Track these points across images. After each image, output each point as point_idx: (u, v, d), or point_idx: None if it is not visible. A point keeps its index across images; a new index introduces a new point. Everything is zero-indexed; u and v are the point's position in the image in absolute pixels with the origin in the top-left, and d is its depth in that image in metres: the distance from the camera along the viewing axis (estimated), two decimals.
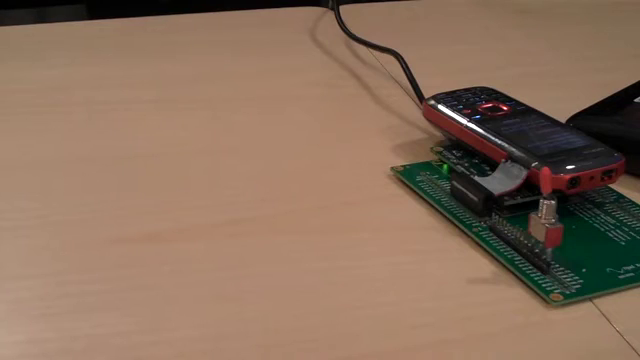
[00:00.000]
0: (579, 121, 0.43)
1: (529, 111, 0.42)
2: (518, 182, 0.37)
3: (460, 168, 0.40)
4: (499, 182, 0.38)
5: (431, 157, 0.42)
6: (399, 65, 0.51)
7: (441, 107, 0.43)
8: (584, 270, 0.33)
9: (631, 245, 0.35)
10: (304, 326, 0.31)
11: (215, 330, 0.31)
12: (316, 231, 0.37)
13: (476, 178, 0.38)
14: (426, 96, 0.45)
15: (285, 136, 0.46)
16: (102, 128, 0.47)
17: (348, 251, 0.35)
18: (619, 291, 0.33)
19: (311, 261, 0.35)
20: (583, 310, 0.32)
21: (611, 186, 0.39)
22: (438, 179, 0.40)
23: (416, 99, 0.49)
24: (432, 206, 0.38)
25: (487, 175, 0.39)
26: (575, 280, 0.33)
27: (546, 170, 0.33)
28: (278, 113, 0.49)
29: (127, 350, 0.30)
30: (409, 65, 0.51)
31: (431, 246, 0.36)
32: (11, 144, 0.45)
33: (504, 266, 0.34)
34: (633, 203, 0.38)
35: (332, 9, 0.64)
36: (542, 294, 0.32)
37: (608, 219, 0.37)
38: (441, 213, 0.38)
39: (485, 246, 0.35)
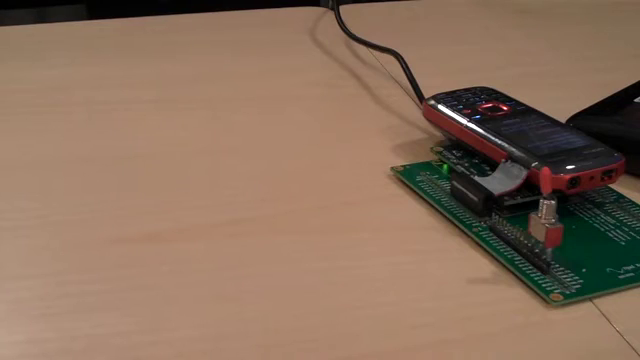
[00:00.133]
0: (579, 121, 0.43)
1: (529, 111, 0.42)
2: (518, 182, 0.37)
3: (460, 168, 0.40)
4: (499, 182, 0.38)
5: (431, 157, 0.42)
6: (399, 65, 0.51)
7: (441, 107, 0.43)
8: (584, 270, 0.33)
9: (631, 245, 0.35)
10: (304, 326, 0.31)
11: (215, 330, 0.31)
12: (316, 231, 0.37)
13: (476, 178, 0.38)
14: (426, 96, 0.45)
15: (285, 136, 0.46)
16: (102, 128, 0.47)
17: (348, 251, 0.35)
18: (619, 291, 0.33)
19: (311, 261, 0.35)
20: (583, 310, 0.32)
21: (611, 186, 0.39)
22: (438, 179, 0.40)
23: (416, 99, 0.49)
24: (432, 206, 0.38)
25: (487, 175, 0.39)
26: (575, 280, 0.33)
27: (546, 170, 0.33)
28: (278, 113, 0.49)
29: (127, 350, 0.30)
30: (409, 65, 0.51)
31: (431, 246, 0.36)
32: (11, 144, 0.45)
33: (504, 266, 0.34)
34: (633, 203, 0.38)
35: (332, 9, 0.64)
36: (542, 294, 0.32)
37: (608, 219, 0.37)
38: (441, 213, 0.38)
39: (485, 246, 0.35)
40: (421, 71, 0.51)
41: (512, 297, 0.33)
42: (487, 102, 0.43)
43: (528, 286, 0.33)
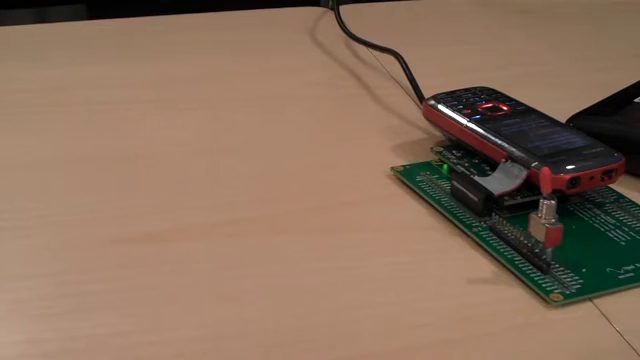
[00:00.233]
0: (579, 121, 0.43)
1: (529, 111, 0.42)
2: (518, 182, 0.37)
3: (460, 168, 0.40)
4: (499, 182, 0.38)
5: (431, 157, 0.42)
6: (399, 65, 0.51)
7: (441, 107, 0.43)
8: (584, 270, 0.33)
9: (631, 245, 0.35)
10: (304, 326, 0.31)
11: (215, 330, 0.31)
12: (316, 231, 0.37)
13: (476, 178, 0.38)
14: (426, 96, 0.45)
15: (285, 136, 0.46)
16: (102, 128, 0.47)
17: (348, 251, 0.35)
18: (619, 291, 0.33)
19: (311, 261, 0.35)
20: (583, 310, 0.32)
21: (611, 186, 0.39)
22: (438, 179, 0.40)
23: (416, 99, 0.49)
24: (432, 206, 0.38)
25: (487, 175, 0.39)
26: (575, 280, 0.33)
27: (546, 170, 0.33)
28: (278, 113, 0.49)
29: (127, 350, 0.30)
30: (409, 65, 0.51)
31: (431, 246, 0.36)
32: (11, 144, 0.45)
33: (504, 266, 0.34)
34: (633, 203, 0.38)
35: (332, 9, 0.64)
36: (542, 294, 0.32)
37: (608, 219, 0.37)
38: (441, 213, 0.38)
39: (485, 246, 0.35)
40: (421, 71, 0.51)
41: (512, 297, 0.33)
42: (487, 102, 0.43)
43: (528, 286, 0.33)
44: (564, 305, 0.32)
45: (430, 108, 0.43)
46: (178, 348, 0.30)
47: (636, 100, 0.44)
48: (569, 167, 0.36)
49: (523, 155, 0.38)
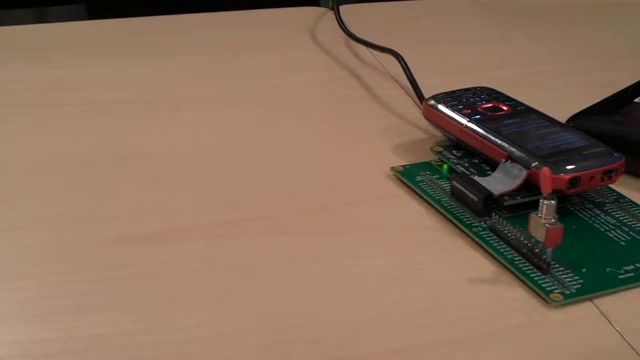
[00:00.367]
0: (579, 121, 0.43)
1: (529, 111, 0.42)
2: (518, 182, 0.37)
3: (460, 168, 0.40)
4: (499, 182, 0.38)
5: (431, 157, 0.42)
6: (399, 65, 0.51)
7: (441, 107, 0.43)
8: (584, 270, 0.33)
9: (631, 245, 0.35)
10: (304, 326, 0.31)
11: (215, 330, 0.31)
12: (316, 231, 0.37)
13: (476, 178, 0.38)
14: (426, 96, 0.45)
15: (285, 136, 0.46)
16: (102, 128, 0.47)
17: (348, 251, 0.35)
18: (619, 291, 0.33)
19: (311, 261, 0.35)
20: (583, 310, 0.32)
21: (611, 186, 0.39)
22: (438, 179, 0.40)
23: (416, 99, 0.49)
24: (432, 206, 0.38)
25: (487, 175, 0.39)
26: (575, 280, 0.33)
27: (546, 170, 0.33)
28: (278, 113, 0.49)
29: (127, 350, 0.30)
30: (409, 65, 0.51)
31: (431, 246, 0.36)
32: (11, 144, 0.45)
33: (504, 266, 0.34)
34: (633, 203, 0.38)
35: (332, 9, 0.64)
36: (542, 294, 0.32)
37: (608, 219, 0.37)
38: (441, 213, 0.38)
39: (485, 246, 0.35)
40: (421, 71, 0.51)
41: (512, 297, 0.33)
42: (487, 102, 0.43)
43: (528, 286, 0.33)
44: (564, 305, 0.32)
45: (430, 108, 0.43)
46: (178, 348, 0.30)
47: (636, 100, 0.44)
48: (569, 167, 0.36)
49: (523, 155, 0.38)
